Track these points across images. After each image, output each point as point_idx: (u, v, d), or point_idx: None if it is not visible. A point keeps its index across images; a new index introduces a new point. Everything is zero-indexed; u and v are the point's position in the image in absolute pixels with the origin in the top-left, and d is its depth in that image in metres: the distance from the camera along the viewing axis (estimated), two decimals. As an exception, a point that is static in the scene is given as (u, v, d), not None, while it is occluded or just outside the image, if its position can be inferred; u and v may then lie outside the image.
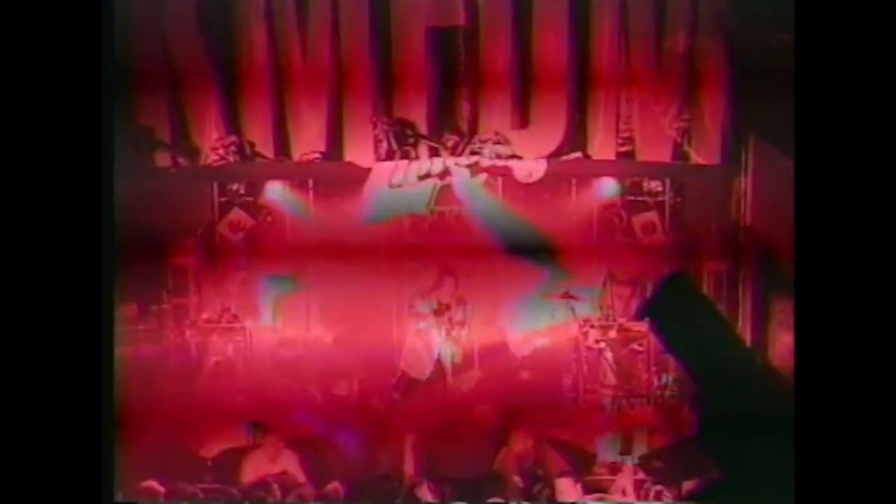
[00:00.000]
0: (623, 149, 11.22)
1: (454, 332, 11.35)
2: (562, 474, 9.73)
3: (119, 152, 5.56)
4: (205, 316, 11.45)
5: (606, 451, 10.58)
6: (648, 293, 3.61)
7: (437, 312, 11.33)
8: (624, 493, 8.56)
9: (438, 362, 11.25)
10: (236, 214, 11.56)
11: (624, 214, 11.56)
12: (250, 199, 11.65)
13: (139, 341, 10.65)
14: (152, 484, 8.16)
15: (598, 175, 11.55)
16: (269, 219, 11.69)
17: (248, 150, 11.28)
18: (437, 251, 11.55)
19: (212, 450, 10.52)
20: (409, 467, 9.53)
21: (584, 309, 11.42)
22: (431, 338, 11.31)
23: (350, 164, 11.29)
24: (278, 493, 8.51)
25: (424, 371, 11.21)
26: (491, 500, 8.14)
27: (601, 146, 11.18)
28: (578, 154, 11.20)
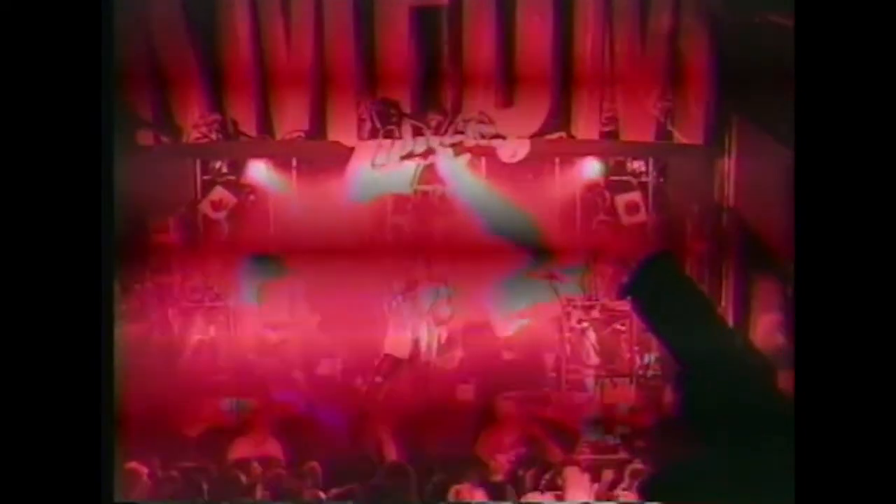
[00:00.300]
0: (607, 129, 11.21)
1: (436, 312, 11.35)
2: (545, 454, 9.73)
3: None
4: (187, 294, 11.42)
5: (589, 430, 10.61)
6: (631, 273, 3.61)
7: (405, 298, 11.32)
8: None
9: (419, 342, 11.25)
10: (219, 193, 11.53)
11: (607, 194, 11.59)
12: (233, 177, 11.63)
13: (122, 320, 10.60)
14: (135, 465, 8.13)
15: (582, 155, 11.57)
16: (252, 197, 11.68)
17: (230, 129, 11.23)
18: (416, 231, 11.56)
19: (194, 428, 10.51)
20: (390, 447, 9.52)
21: (567, 289, 11.44)
22: (411, 317, 11.31)
23: (333, 143, 11.26)
24: (259, 472, 8.50)
25: (405, 351, 11.21)
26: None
27: (585, 126, 11.17)
28: (562, 134, 11.18)
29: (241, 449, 9.52)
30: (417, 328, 11.32)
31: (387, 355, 11.22)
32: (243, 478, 8.35)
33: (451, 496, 7.83)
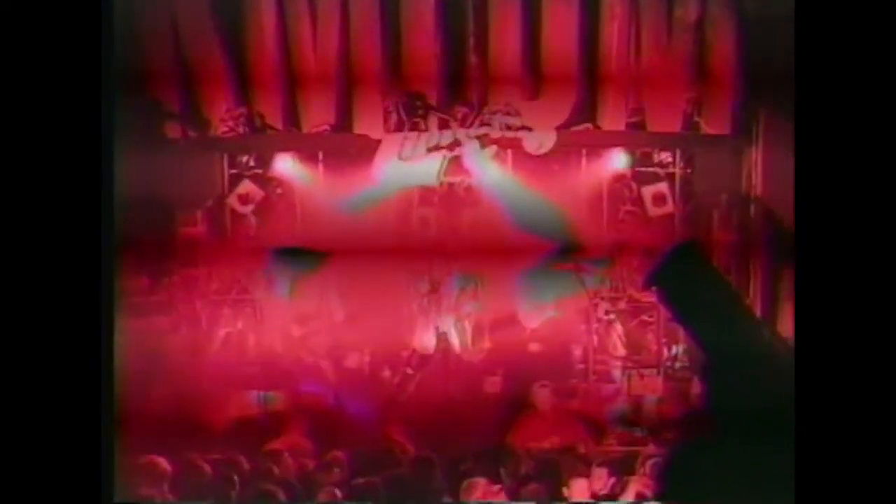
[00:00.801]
0: (633, 120, 11.17)
1: (463, 305, 11.37)
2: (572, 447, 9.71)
3: (129, 123, 5.55)
4: (214, 287, 11.48)
5: (616, 422, 10.61)
6: (657, 263, 3.59)
7: (432, 291, 11.36)
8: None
9: (446, 336, 11.27)
10: (246, 187, 11.57)
11: (634, 185, 11.55)
12: (260, 171, 11.66)
13: (150, 313, 10.66)
14: (156, 459, 8.16)
15: (608, 146, 11.53)
16: (279, 191, 11.71)
17: (258, 122, 11.26)
18: (443, 223, 11.57)
19: (221, 420, 10.56)
20: (417, 439, 9.55)
21: (594, 281, 11.42)
22: (438, 311, 11.34)
23: (360, 136, 11.26)
24: (289, 462, 8.53)
25: (433, 344, 11.23)
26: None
27: (611, 117, 11.14)
28: (588, 125, 11.15)
29: (269, 440, 9.55)
30: (444, 321, 11.34)
31: (415, 349, 11.25)
32: (274, 469, 8.38)
33: (475, 488, 7.82)
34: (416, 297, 11.46)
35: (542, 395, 10.31)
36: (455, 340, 11.36)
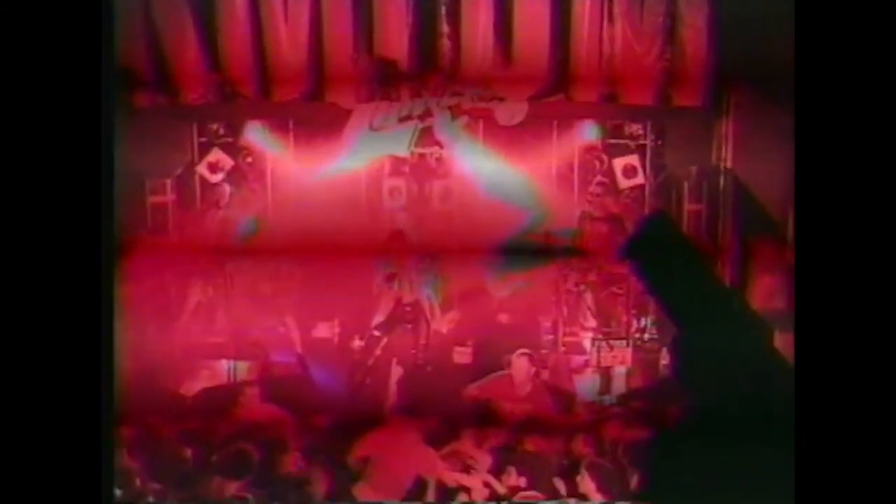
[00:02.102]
0: (605, 91, 11.16)
1: (428, 276, 11.38)
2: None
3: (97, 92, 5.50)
4: (184, 256, 11.43)
5: (585, 392, 10.69)
6: (628, 235, 3.58)
7: (399, 252, 11.36)
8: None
9: (412, 305, 11.27)
10: (216, 155, 11.52)
11: (605, 157, 11.58)
12: (230, 139, 11.60)
13: (119, 282, 10.60)
14: (129, 428, 8.17)
15: (580, 117, 11.53)
16: (250, 159, 11.66)
17: (228, 90, 11.18)
18: (413, 193, 11.56)
19: (192, 389, 10.56)
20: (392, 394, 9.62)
21: (564, 252, 11.45)
22: (403, 281, 11.33)
23: (331, 104, 11.20)
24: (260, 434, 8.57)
25: (399, 313, 11.25)
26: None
27: (583, 89, 11.11)
28: (560, 96, 11.13)
29: (244, 410, 9.58)
30: (410, 292, 11.34)
31: (380, 320, 11.26)
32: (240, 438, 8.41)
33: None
34: (381, 268, 11.44)
35: (521, 363, 10.34)
36: (422, 311, 11.36)
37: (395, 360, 10.89)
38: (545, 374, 10.84)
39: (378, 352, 11.00)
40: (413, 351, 11.09)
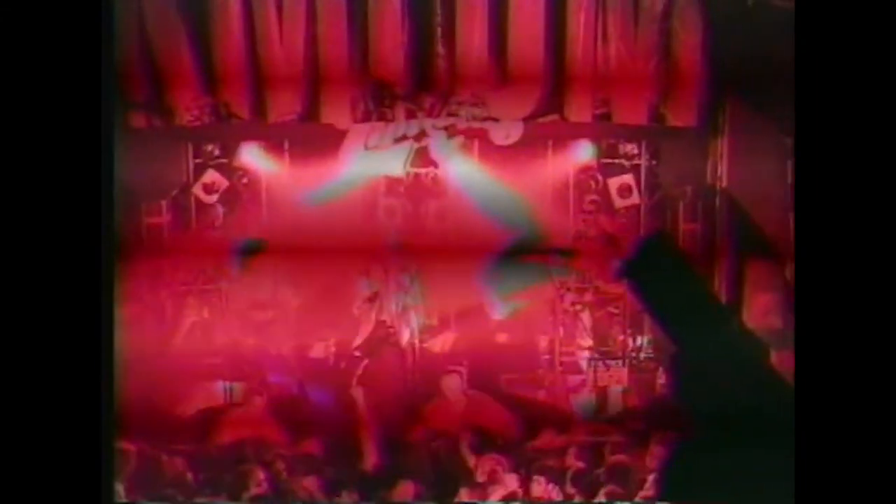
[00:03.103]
0: (600, 111, 11.18)
1: (415, 295, 11.37)
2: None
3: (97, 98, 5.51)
4: (180, 277, 11.42)
5: (582, 412, 10.69)
6: (626, 254, 3.60)
7: (388, 271, 11.35)
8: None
9: (402, 325, 11.26)
10: (211, 176, 11.52)
11: (600, 177, 11.58)
12: (225, 160, 11.60)
13: (116, 303, 10.58)
14: (125, 445, 8.15)
15: (575, 137, 11.55)
16: (245, 180, 11.66)
17: (223, 111, 11.19)
18: (408, 213, 11.56)
19: (187, 410, 10.54)
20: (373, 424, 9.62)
21: (560, 271, 11.46)
22: (392, 300, 11.33)
23: (326, 125, 11.22)
24: (253, 453, 8.55)
25: (386, 333, 11.25)
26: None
27: (578, 108, 11.13)
28: (555, 116, 11.15)
29: (238, 431, 9.56)
30: (398, 311, 11.33)
31: (364, 340, 11.25)
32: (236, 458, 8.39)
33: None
34: (367, 288, 11.42)
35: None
36: (413, 330, 11.35)
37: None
38: (541, 394, 10.87)
39: (359, 372, 10.98)
40: (399, 371, 11.08)
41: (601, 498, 8.22)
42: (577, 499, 8.22)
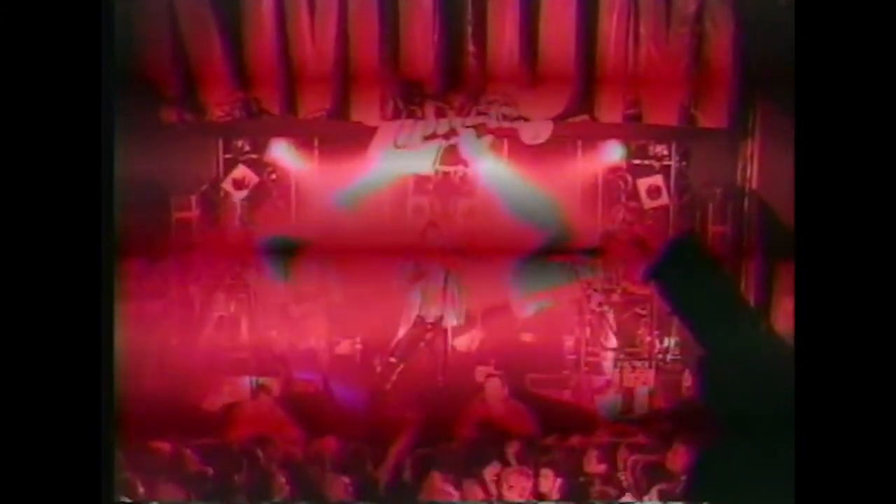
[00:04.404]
0: (630, 111, 11.15)
1: (450, 294, 11.36)
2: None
3: (125, 107, 5.54)
4: (209, 272, 11.47)
5: (607, 412, 10.67)
6: (654, 255, 3.59)
7: (419, 279, 11.34)
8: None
9: (434, 324, 11.26)
10: (241, 171, 11.56)
11: (629, 178, 11.57)
12: (255, 156, 11.65)
13: (143, 296, 10.66)
14: (158, 444, 8.20)
15: (604, 138, 11.54)
16: (274, 176, 11.70)
17: (254, 107, 11.22)
18: (437, 212, 11.57)
19: (213, 404, 10.59)
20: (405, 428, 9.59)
21: (588, 272, 11.44)
22: (426, 299, 11.33)
23: (356, 123, 11.23)
24: (277, 448, 8.57)
25: (420, 333, 11.26)
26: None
27: (608, 109, 11.10)
28: (585, 116, 11.13)
29: (258, 426, 9.58)
30: (433, 310, 11.34)
31: (401, 338, 11.27)
32: (261, 454, 8.41)
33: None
34: (404, 285, 11.43)
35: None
36: (445, 330, 11.35)
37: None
38: (566, 394, 10.86)
39: (394, 377, 11.00)
40: (433, 371, 11.09)
41: (626, 498, 8.18)
42: (598, 500, 8.19)
